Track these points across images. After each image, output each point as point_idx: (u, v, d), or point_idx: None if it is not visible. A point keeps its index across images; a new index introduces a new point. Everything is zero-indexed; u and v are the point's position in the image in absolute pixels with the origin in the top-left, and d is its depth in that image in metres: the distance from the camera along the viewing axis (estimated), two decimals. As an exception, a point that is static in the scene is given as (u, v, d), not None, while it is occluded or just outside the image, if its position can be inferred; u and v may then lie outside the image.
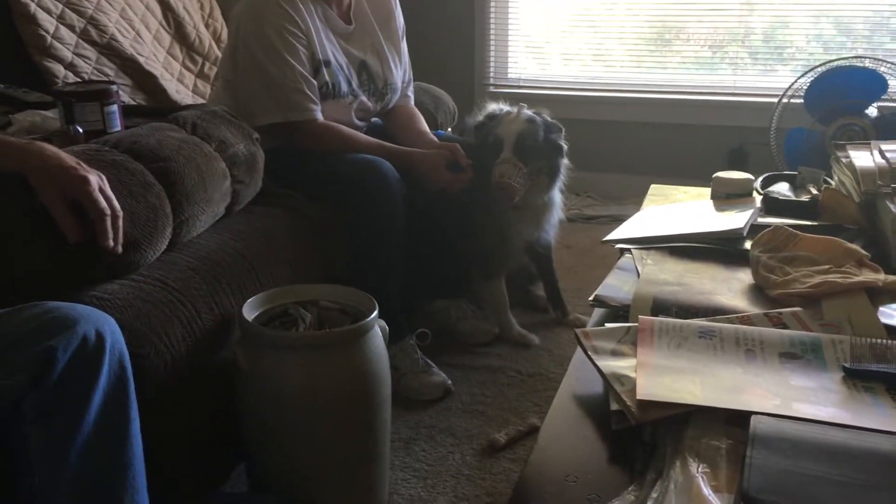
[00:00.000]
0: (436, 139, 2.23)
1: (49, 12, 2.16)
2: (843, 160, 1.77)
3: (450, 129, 2.80)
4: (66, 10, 2.21)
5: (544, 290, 2.50)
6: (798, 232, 1.48)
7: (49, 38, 2.13)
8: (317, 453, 1.48)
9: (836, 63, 3.05)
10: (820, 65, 3.07)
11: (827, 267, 1.36)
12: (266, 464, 1.52)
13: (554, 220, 2.32)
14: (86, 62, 2.22)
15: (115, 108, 1.66)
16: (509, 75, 3.93)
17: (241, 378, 1.48)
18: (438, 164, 2.07)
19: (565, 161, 2.20)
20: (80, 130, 1.58)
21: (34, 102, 1.87)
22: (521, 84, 3.90)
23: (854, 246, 1.43)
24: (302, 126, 2.04)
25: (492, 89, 3.86)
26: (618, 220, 2.07)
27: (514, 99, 2.31)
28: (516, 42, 3.91)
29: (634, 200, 2.28)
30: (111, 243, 1.25)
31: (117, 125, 1.66)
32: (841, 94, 2.98)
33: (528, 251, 2.37)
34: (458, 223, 2.21)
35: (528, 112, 2.16)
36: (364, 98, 2.20)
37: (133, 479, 1.10)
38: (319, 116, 2.05)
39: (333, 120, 2.09)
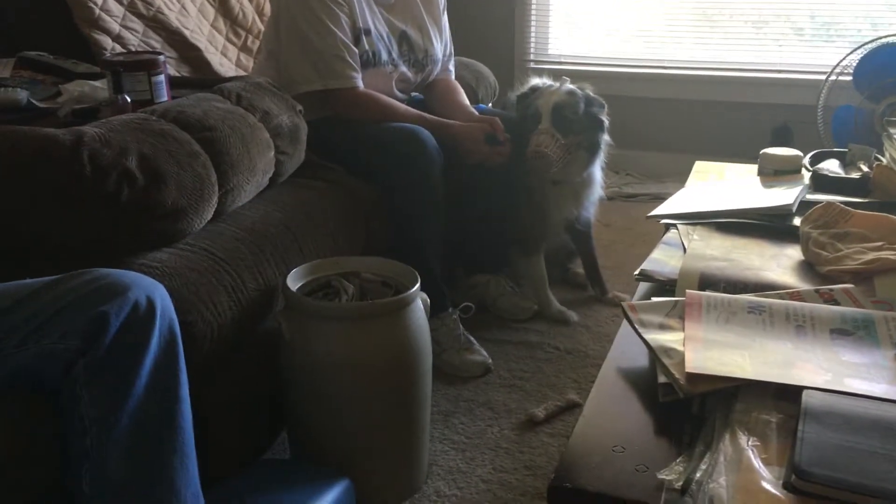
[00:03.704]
0: (475, 112, 2.22)
1: (97, -16, 2.18)
2: (895, 137, 1.73)
3: (490, 104, 2.78)
4: (114, -18, 2.23)
5: (583, 267, 2.49)
6: (850, 208, 1.45)
7: (97, 11, 2.15)
8: (357, 423, 1.50)
9: (886, 39, 2.98)
10: (870, 41, 3.00)
11: (879, 244, 1.34)
12: (308, 432, 1.54)
13: (594, 197, 2.30)
14: (133, 34, 2.23)
15: (162, 78, 1.67)
16: (550, 51, 3.90)
17: (284, 347, 1.49)
18: (477, 136, 2.06)
19: (606, 137, 2.17)
20: (129, 100, 1.59)
21: (83, 73, 1.90)
22: (562, 60, 3.86)
23: (907, 223, 1.40)
24: (341, 94, 2.04)
25: (532, 65, 3.83)
26: (657, 198, 2.05)
27: (554, 74, 2.29)
28: (557, 17, 3.86)
29: (675, 179, 2.25)
30: None
31: (164, 95, 1.68)
32: (891, 71, 2.91)
33: (567, 228, 2.36)
34: (498, 198, 2.20)
35: (569, 86, 2.14)
36: (404, 69, 2.19)
37: (183, 443, 1.12)
38: (359, 84, 2.05)
39: (374, 90, 2.08)
